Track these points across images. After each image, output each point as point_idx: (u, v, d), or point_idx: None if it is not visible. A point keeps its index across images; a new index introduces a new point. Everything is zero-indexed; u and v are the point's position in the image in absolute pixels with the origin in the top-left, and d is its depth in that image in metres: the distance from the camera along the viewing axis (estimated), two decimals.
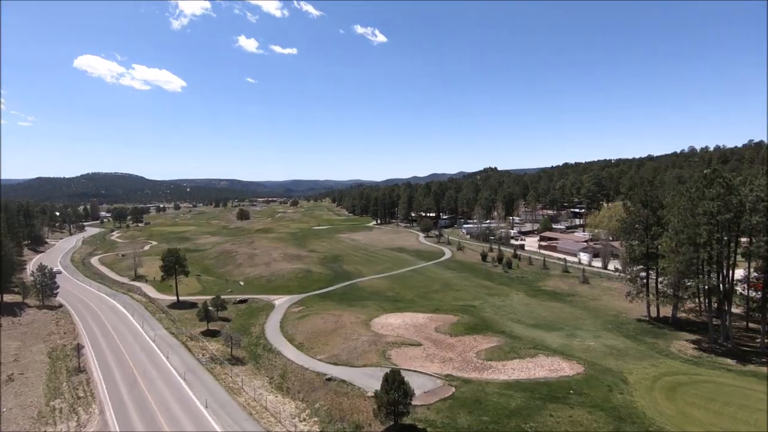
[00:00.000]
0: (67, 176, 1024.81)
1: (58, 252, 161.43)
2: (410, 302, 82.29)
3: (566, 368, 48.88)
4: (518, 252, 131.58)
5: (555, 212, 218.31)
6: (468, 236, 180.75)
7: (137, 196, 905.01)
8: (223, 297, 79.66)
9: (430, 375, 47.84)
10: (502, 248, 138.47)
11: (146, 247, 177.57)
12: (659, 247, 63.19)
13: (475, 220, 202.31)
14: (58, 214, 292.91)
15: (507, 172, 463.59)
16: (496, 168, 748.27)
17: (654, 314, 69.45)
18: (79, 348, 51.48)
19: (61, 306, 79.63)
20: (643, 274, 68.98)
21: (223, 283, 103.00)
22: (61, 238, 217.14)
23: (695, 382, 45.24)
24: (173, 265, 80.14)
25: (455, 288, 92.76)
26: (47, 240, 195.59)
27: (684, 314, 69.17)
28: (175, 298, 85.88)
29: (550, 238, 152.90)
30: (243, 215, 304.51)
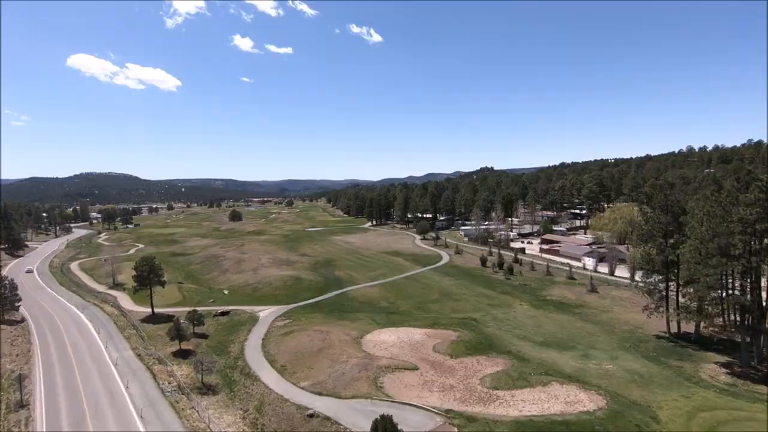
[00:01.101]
0: (60, 176, 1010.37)
1: (38, 256, 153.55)
2: (406, 314, 75.68)
3: (585, 400, 42.41)
4: (519, 256, 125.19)
5: (555, 214, 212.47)
6: (466, 239, 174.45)
7: (131, 196, 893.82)
8: (201, 310, 72.93)
9: (429, 410, 41.21)
10: (502, 252, 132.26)
11: (131, 251, 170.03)
12: (680, 256, 56.94)
13: (473, 222, 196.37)
14: (45, 215, 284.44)
15: (504, 172, 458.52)
16: (492, 167, 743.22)
17: (674, 330, 63.13)
18: (21, 379, 44.46)
19: (22, 321, 72.25)
20: (662, 285, 62.64)
21: (206, 291, 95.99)
22: (45, 241, 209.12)
23: (737, 419, 38.88)
24: (147, 275, 72.94)
25: (454, 297, 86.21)
26: (28, 243, 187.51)
27: (708, 330, 62.95)
28: (162, 308, 79.04)
29: (551, 242, 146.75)
30: (235, 216, 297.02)
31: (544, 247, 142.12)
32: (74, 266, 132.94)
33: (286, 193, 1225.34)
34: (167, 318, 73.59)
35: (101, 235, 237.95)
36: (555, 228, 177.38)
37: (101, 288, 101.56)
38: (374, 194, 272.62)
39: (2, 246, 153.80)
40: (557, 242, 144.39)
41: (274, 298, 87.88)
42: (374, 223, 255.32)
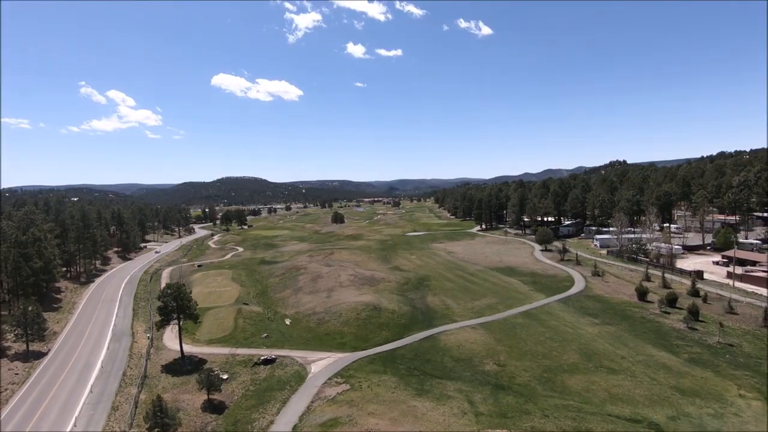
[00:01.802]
0: (206, 180, 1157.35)
1: (146, 259, 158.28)
2: (525, 394, 47.02)
3: None
4: (698, 285, 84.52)
5: (736, 218, 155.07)
6: (603, 251, 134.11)
7: (260, 197, 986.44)
8: (241, 355, 54.79)
9: None
10: (667, 276, 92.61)
11: (227, 256, 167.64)
12: None
13: (613, 229, 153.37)
14: (181, 214, 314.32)
15: (639, 166, 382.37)
16: (625, 161, 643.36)
17: None
18: None
19: (45, 354, 61.47)
20: None
21: (266, 319, 78.84)
22: (166, 242, 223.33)
23: None
24: (171, 309, 56.80)
25: (606, 365, 54.11)
26: (148, 244, 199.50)
27: None
28: (192, 345, 63.56)
29: (746, 262, 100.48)
30: (337, 218, 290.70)
31: (734, 270, 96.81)
32: (165, 273, 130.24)
33: (396, 192, 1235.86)
34: (197, 365, 56.73)
35: (214, 237, 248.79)
36: (741, 240, 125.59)
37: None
38: (484, 194, 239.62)
39: (115, 249, 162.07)
40: (759, 263, 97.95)
41: (339, 338, 66.21)
42: (483, 227, 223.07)
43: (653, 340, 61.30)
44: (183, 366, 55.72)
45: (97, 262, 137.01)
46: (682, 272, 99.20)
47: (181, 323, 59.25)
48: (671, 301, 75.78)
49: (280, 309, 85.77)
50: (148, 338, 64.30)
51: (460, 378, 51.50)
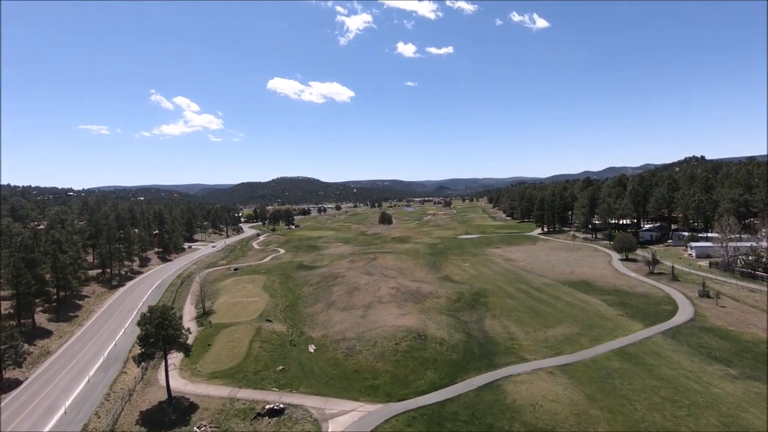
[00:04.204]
0: (262, 180, 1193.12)
1: (185, 261, 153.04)
2: None
3: None
4: None
5: None
6: (704, 263, 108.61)
7: (312, 197, 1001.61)
8: (243, 402, 41.28)
9: None
10: None
11: (267, 258, 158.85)
12: None
13: (714, 235, 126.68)
14: (233, 214, 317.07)
15: (720, 162, 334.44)
16: (702, 157, 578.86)
17: None
18: None
19: (19, 384, 51.48)
20: None
21: (286, 343, 65.40)
22: (212, 242, 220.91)
23: None
24: (155, 336, 44.15)
25: None
26: (194, 243, 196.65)
27: None
28: (189, 381, 51.33)
29: None
30: (384, 219, 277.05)
31: None
32: (202, 277, 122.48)
33: (447, 192, 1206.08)
34: (185, 413, 44.03)
35: (260, 237, 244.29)
36: None
37: (188, 317, 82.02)
38: (546, 193, 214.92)
39: (156, 250, 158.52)
40: None
41: (371, 379, 51.07)
42: (545, 230, 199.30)
43: None
44: (166, 414, 43.25)
45: (133, 263, 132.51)
46: None
47: (166, 358, 46.67)
48: None
49: (306, 329, 72.29)
50: (143, 368, 52.70)
51: None
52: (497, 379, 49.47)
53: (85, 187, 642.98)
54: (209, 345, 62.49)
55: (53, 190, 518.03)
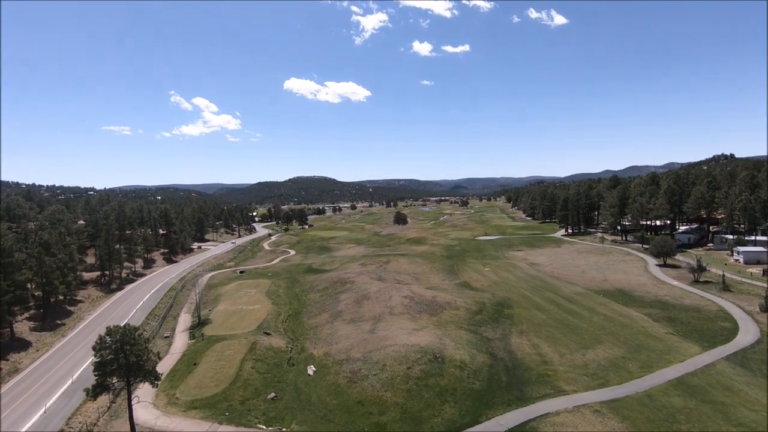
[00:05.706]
0: (278, 180, 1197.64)
1: (189, 263, 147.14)
2: None
3: None
4: None
5: None
6: (754, 269, 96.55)
7: (328, 196, 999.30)
8: None
9: None
10: None
11: (275, 261, 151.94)
12: None
13: (764, 238, 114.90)
14: (246, 213, 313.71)
15: (759, 160, 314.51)
16: (732, 155, 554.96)
17: None
18: None
19: None
20: None
21: (285, 361, 57.55)
22: (223, 242, 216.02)
23: None
24: (116, 365, 36.45)
25: None
26: (197, 246, 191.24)
27: None
28: (163, 412, 43.76)
29: None
30: (399, 219, 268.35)
31: None
32: (203, 281, 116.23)
33: (463, 191, 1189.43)
34: None
35: (271, 237, 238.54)
36: None
37: (182, 327, 75.07)
38: (569, 192, 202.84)
39: (162, 251, 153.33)
40: None
41: (377, 414, 42.57)
42: (569, 231, 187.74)
43: None
44: None
45: (135, 265, 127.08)
46: None
47: (130, 389, 38.98)
48: None
49: (308, 344, 64.26)
50: (111, 394, 45.12)
51: None
52: (531, 419, 40.37)
53: (107, 187, 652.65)
54: (195, 364, 54.99)
55: (75, 190, 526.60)
